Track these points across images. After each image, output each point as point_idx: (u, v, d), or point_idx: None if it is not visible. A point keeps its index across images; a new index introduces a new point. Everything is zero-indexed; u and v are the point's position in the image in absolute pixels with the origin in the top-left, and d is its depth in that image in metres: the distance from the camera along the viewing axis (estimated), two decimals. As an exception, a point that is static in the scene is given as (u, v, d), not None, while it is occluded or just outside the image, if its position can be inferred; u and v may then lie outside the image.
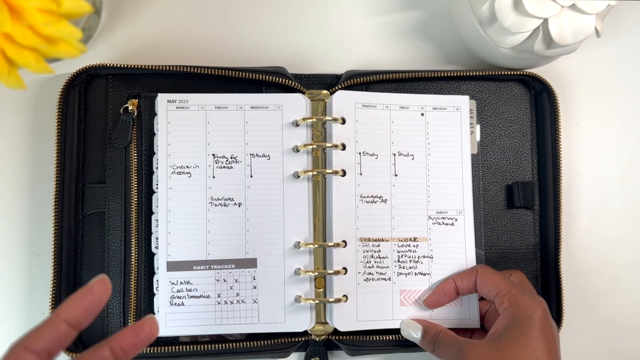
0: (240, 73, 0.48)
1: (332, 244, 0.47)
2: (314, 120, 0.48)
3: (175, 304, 0.46)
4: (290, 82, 0.48)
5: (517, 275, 0.47)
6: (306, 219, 0.47)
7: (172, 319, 0.45)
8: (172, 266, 0.46)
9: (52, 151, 0.47)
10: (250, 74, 0.48)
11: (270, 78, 0.48)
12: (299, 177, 0.47)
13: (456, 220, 0.49)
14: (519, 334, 0.40)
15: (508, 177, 0.51)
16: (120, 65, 0.48)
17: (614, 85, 0.55)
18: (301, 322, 0.47)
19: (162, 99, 0.47)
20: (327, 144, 0.48)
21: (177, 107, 0.47)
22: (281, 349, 0.47)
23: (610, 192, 0.54)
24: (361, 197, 0.48)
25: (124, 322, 0.47)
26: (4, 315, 0.49)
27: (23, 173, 0.50)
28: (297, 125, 0.48)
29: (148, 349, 0.45)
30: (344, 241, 0.47)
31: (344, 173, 0.48)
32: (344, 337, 0.47)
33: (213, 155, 0.47)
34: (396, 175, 0.49)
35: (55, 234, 0.46)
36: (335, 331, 0.47)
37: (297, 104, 0.48)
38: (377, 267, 0.48)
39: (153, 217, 0.47)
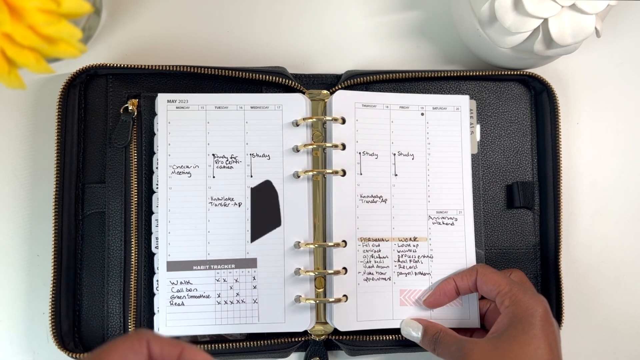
0: (240, 73, 0.48)
1: (332, 243, 0.47)
2: (314, 120, 0.48)
3: (175, 304, 0.46)
4: (290, 82, 0.48)
5: (517, 274, 0.47)
6: (306, 219, 0.47)
7: (172, 319, 0.45)
8: (172, 266, 0.46)
9: (52, 151, 0.47)
10: (250, 74, 0.48)
11: (270, 78, 0.48)
12: (299, 177, 0.47)
13: (456, 220, 0.49)
14: (520, 332, 0.40)
15: (508, 177, 0.51)
16: (120, 65, 0.48)
17: (614, 85, 0.55)
18: (301, 322, 0.47)
19: (162, 99, 0.47)
20: (327, 144, 0.48)
21: (177, 107, 0.47)
22: (281, 349, 0.47)
23: (610, 192, 0.54)
24: (361, 197, 0.48)
25: (124, 322, 0.47)
26: (4, 315, 0.49)
27: (23, 173, 0.50)
28: (297, 125, 0.48)
29: None
30: (344, 241, 0.47)
31: (344, 173, 0.48)
32: (344, 337, 0.47)
33: (213, 155, 0.47)
34: (396, 175, 0.49)
35: (55, 233, 0.46)
36: (335, 331, 0.47)
37: (297, 104, 0.48)
38: (377, 267, 0.48)
39: (153, 217, 0.47)
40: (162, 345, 0.31)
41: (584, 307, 0.53)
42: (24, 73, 0.37)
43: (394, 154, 0.49)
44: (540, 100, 0.52)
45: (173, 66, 0.47)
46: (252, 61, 0.52)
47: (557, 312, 0.49)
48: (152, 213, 0.47)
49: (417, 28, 0.54)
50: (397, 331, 0.47)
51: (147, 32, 0.52)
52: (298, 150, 0.48)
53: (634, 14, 0.55)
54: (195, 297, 0.46)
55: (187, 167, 0.47)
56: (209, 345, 0.46)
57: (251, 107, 0.48)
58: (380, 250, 0.48)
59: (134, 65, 0.48)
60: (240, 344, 0.46)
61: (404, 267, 0.48)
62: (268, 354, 0.47)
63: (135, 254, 0.47)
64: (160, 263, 0.46)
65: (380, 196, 0.48)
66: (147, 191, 0.47)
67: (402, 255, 0.48)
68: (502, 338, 0.41)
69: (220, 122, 0.47)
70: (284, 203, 0.47)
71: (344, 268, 0.47)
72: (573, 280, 0.53)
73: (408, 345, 0.47)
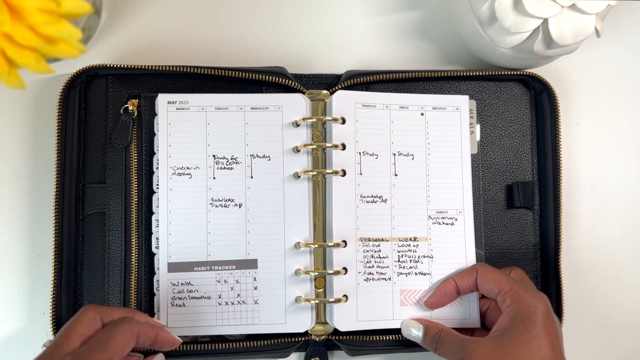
0: (240, 73, 0.48)
1: (332, 244, 0.47)
2: (314, 120, 0.48)
3: (176, 304, 0.46)
4: (290, 82, 0.48)
5: (517, 272, 0.47)
6: (306, 219, 0.47)
7: (173, 319, 0.45)
8: (173, 267, 0.46)
9: (52, 151, 0.47)
10: (250, 74, 0.48)
11: (270, 78, 0.48)
12: (299, 177, 0.47)
13: (456, 220, 0.49)
14: (522, 331, 0.41)
15: (508, 177, 0.51)
16: (120, 65, 0.48)
17: (614, 85, 0.55)
18: (301, 322, 0.47)
19: (162, 100, 0.47)
20: (327, 144, 0.48)
21: (177, 108, 0.47)
22: (281, 349, 0.47)
23: (610, 192, 0.54)
24: (361, 197, 0.48)
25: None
26: (4, 315, 0.49)
27: (23, 173, 0.50)
28: (297, 125, 0.48)
29: (148, 349, 0.45)
30: (344, 241, 0.47)
31: (344, 173, 0.48)
32: (344, 337, 0.47)
33: (213, 156, 0.47)
34: (396, 175, 0.49)
35: (56, 234, 0.46)
36: (335, 331, 0.47)
37: (297, 104, 0.48)
38: (377, 267, 0.48)
39: (153, 217, 0.47)
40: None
41: (584, 307, 0.53)
42: (24, 73, 0.37)
43: (394, 154, 0.49)
44: (540, 100, 0.52)
45: (173, 66, 0.47)
46: (252, 61, 0.52)
47: (558, 312, 0.49)
48: (153, 213, 0.47)
49: (417, 28, 0.54)
50: (397, 331, 0.47)
51: (147, 32, 0.52)
52: (298, 151, 0.48)
53: (634, 14, 0.56)
54: (196, 298, 0.46)
55: (188, 168, 0.47)
56: (209, 345, 0.46)
57: (251, 108, 0.48)
58: (380, 250, 0.48)
59: (134, 66, 0.48)
60: (240, 344, 0.47)
61: (404, 267, 0.48)
62: (268, 354, 0.47)
63: (135, 254, 0.47)
64: (161, 264, 0.46)
65: (380, 196, 0.48)
66: (148, 191, 0.47)
67: (402, 255, 0.48)
68: (504, 337, 0.41)
69: (220, 123, 0.47)
70: (284, 203, 0.47)
71: (344, 268, 0.47)
72: (573, 280, 0.53)
73: (408, 345, 0.47)
